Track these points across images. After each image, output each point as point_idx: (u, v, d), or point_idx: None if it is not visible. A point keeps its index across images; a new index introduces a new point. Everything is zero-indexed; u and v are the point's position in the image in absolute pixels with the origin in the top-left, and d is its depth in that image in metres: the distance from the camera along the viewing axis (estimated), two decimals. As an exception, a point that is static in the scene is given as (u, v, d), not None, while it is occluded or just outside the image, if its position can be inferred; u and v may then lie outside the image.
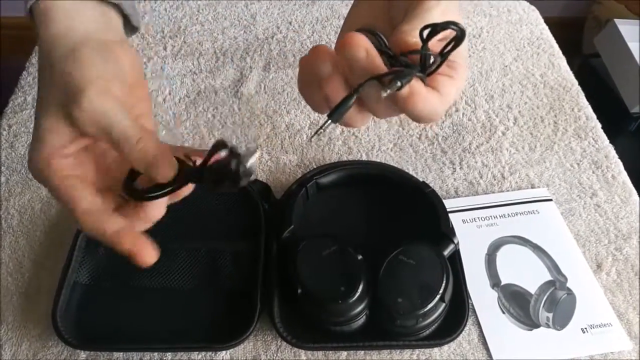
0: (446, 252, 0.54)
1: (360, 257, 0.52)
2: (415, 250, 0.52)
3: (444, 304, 0.50)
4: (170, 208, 0.61)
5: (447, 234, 0.55)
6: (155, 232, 0.58)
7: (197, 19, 0.89)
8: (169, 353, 0.53)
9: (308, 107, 0.75)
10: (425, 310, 0.49)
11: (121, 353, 0.53)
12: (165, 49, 0.84)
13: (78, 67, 0.36)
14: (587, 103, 0.75)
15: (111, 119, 0.35)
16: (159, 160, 0.36)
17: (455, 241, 0.55)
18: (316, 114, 0.74)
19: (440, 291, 0.50)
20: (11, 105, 0.76)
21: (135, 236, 0.37)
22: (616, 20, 1.33)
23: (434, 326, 0.52)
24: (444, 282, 0.51)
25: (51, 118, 0.36)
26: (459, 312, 0.53)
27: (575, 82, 0.78)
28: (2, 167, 0.69)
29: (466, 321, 0.53)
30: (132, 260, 0.37)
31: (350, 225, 0.60)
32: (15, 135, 0.72)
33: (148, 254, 0.37)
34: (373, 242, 0.55)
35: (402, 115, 0.77)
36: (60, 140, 0.36)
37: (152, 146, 0.36)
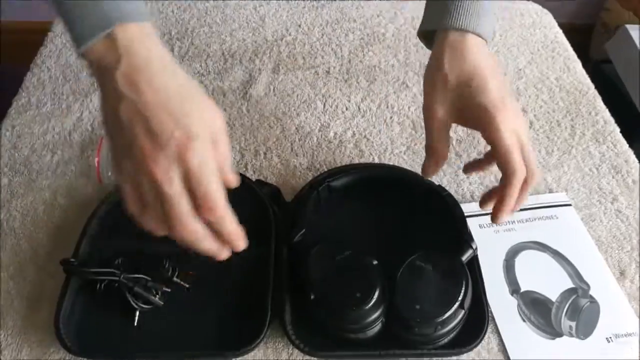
0: (464, 258, 0.52)
1: (375, 262, 0.50)
2: (433, 256, 0.51)
3: (463, 311, 0.48)
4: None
5: (465, 238, 0.53)
6: (164, 239, 0.57)
7: (204, 20, 0.88)
8: None
9: (318, 109, 0.74)
10: (444, 317, 0.47)
11: (126, 359, 0.51)
12: (172, 50, 0.82)
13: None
14: (604, 107, 0.74)
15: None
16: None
17: (474, 246, 0.53)
18: (327, 117, 0.73)
19: (460, 298, 0.48)
20: (15, 106, 0.75)
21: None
22: (627, 26, 1.32)
23: (452, 334, 0.49)
24: (464, 288, 0.48)
25: None
26: (478, 319, 0.51)
27: (592, 85, 0.77)
28: (5, 169, 0.67)
29: (486, 329, 0.50)
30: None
31: (364, 229, 0.59)
32: (18, 136, 0.71)
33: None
34: (388, 247, 0.53)
35: (415, 117, 0.75)
36: None
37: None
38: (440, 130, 0.50)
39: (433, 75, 0.50)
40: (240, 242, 0.43)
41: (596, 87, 0.77)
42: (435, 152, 0.51)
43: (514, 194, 0.47)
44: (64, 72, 0.79)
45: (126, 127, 0.39)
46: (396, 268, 0.50)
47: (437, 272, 0.50)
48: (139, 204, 0.40)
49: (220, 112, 0.41)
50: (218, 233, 0.41)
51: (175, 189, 0.38)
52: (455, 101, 0.49)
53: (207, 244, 0.41)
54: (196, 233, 0.40)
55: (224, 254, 0.43)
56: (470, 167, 0.56)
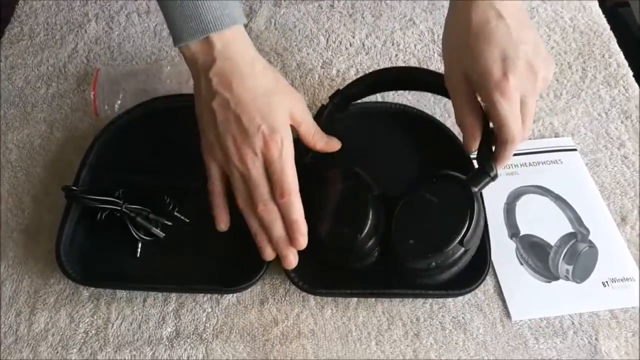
0: (478, 188, 0.48)
1: (376, 193, 0.49)
2: (440, 187, 0.48)
3: (462, 249, 0.47)
4: (178, 140, 0.58)
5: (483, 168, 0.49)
6: (162, 169, 0.56)
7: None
8: (174, 294, 0.52)
9: (321, 45, 0.71)
10: (441, 254, 0.46)
11: (125, 292, 0.52)
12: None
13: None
14: (618, 49, 0.71)
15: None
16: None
17: (492, 174, 0.48)
18: (329, 53, 0.70)
19: (460, 236, 0.46)
20: (7, 36, 0.72)
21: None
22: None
23: (450, 273, 0.48)
24: (467, 225, 0.46)
25: None
26: (479, 261, 0.50)
27: (607, 26, 0.73)
28: (0, 101, 0.65)
29: (487, 271, 0.50)
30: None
31: (376, 154, 0.57)
32: (12, 67, 0.69)
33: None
34: (398, 177, 0.51)
35: (421, 56, 0.71)
36: None
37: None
38: (462, 100, 0.48)
39: (444, 39, 0.51)
40: (302, 236, 0.47)
41: (612, 32, 0.74)
42: (464, 128, 0.49)
43: (509, 156, 0.47)
44: (57, 1, 0.76)
45: (220, 121, 0.46)
46: (401, 198, 0.49)
47: (441, 205, 0.47)
48: (223, 185, 0.49)
49: (300, 100, 0.50)
50: (285, 219, 0.47)
51: (258, 172, 0.46)
52: (464, 66, 0.47)
53: (279, 227, 0.47)
54: (271, 213, 0.46)
55: (291, 256, 0.48)
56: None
